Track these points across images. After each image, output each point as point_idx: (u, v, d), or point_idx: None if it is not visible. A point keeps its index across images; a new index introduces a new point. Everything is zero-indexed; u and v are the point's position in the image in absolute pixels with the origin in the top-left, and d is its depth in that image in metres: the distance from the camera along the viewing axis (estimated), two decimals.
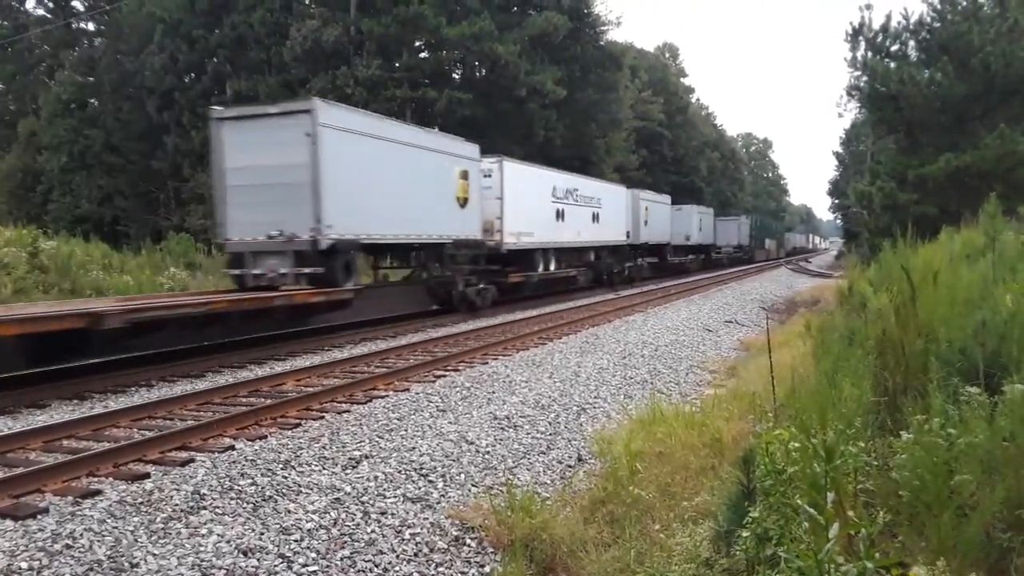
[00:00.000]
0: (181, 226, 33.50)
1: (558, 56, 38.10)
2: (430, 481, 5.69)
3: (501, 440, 6.84)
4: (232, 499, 5.09)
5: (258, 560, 4.27)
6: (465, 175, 17.40)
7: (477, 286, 17.93)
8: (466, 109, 34.36)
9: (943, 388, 3.46)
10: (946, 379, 3.64)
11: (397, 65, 34.51)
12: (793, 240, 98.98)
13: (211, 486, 5.27)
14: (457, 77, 38.53)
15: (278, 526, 4.68)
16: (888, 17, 21.38)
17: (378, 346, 12.48)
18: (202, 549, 4.32)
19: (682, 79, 76.23)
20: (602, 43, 41.47)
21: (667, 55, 76.88)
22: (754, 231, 58.27)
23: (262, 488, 5.30)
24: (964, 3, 20.44)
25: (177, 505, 4.92)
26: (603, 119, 42.90)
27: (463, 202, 17.33)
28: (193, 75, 39.20)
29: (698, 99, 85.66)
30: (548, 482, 6.00)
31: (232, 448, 6.29)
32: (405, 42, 35.27)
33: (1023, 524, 2.60)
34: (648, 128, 57.01)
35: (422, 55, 37.04)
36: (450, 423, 7.27)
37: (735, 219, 55.60)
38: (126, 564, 4.13)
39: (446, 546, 4.72)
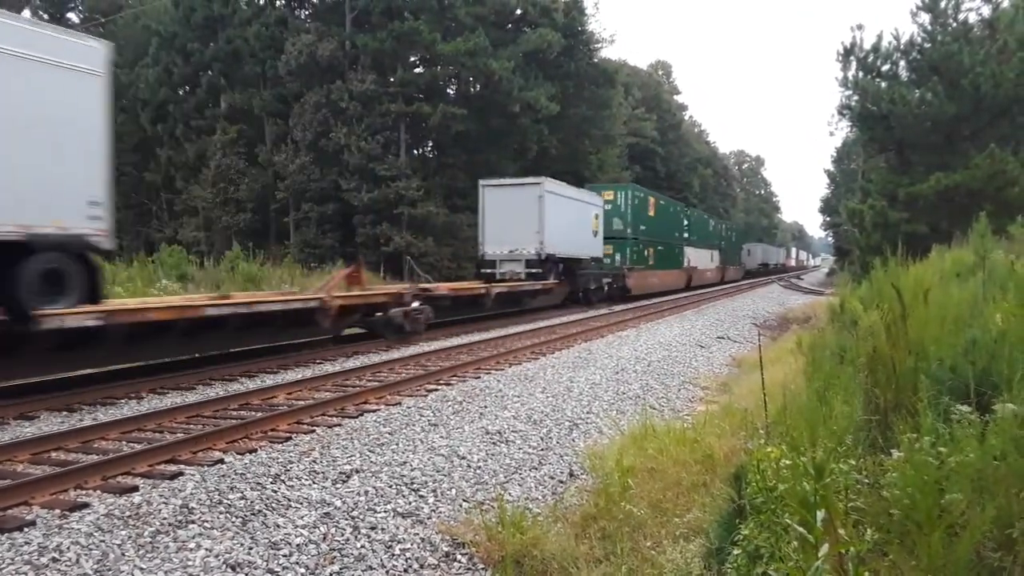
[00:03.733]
0: (174, 238, 33.47)
1: (552, 73, 38.38)
2: (421, 496, 5.67)
3: (493, 455, 6.82)
4: (221, 513, 5.05)
5: (246, 575, 4.24)
6: None
7: None
8: (460, 124, 34.53)
9: (934, 406, 3.47)
10: (936, 397, 3.64)
11: (392, 80, 34.65)
12: (763, 254, 74.99)
13: (200, 500, 5.23)
14: (451, 92, 38.73)
15: (267, 541, 4.65)
16: (879, 37, 21.56)
17: (370, 359, 12.45)
18: (190, 563, 4.29)
19: (675, 96, 76.90)
20: (596, 60, 41.83)
21: (660, 73, 77.48)
22: (636, 230, 29.31)
23: (251, 502, 5.27)
24: (954, 24, 20.66)
25: (165, 519, 4.88)
26: (596, 135, 43.18)
27: None
28: (187, 88, 39.32)
29: (691, 116, 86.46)
30: (540, 497, 5.98)
31: (222, 462, 6.25)
32: (400, 57, 35.45)
33: (1013, 544, 2.60)
34: (641, 144, 57.44)
35: (417, 70, 37.25)
36: (442, 437, 7.25)
37: (532, 185, 22.54)
38: None
39: (436, 562, 4.69)
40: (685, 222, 39.65)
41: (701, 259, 42.71)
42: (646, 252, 31.22)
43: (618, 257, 28.65)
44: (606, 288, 26.76)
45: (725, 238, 51.83)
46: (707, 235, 45.45)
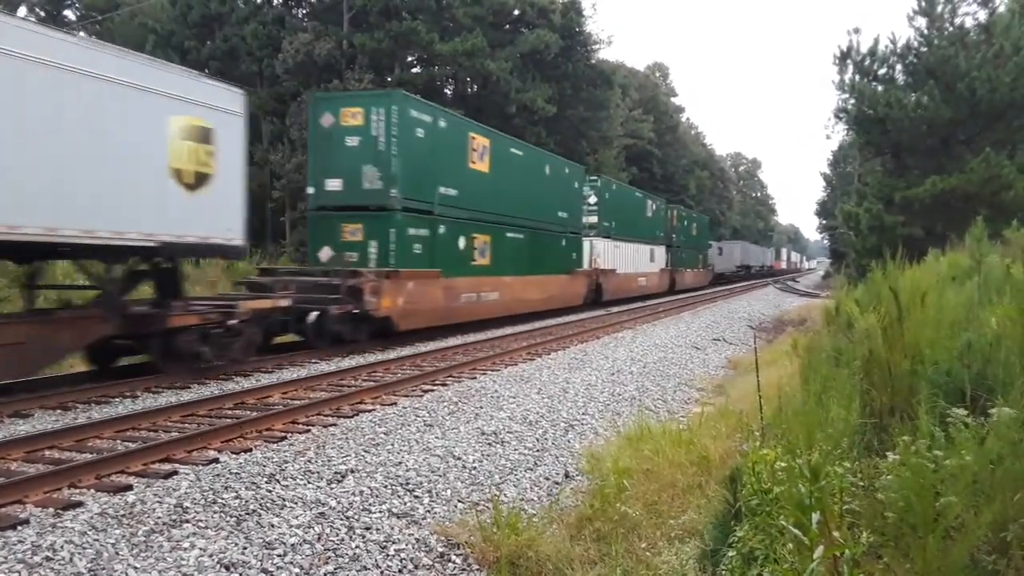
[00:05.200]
0: None
1: (549, 74, 38.40)
2: (416, 496, 5.66)
3: (488, 456, 6.82)
4: (215, 512, 5.04)
5: (240, 574, 4.23)
6: None
7: None
8: None
9: (929, 409, 3.47)
10: (932, 400, 3.65)
11: (389, 80, 34.62)
12: (743, 255, 61.87)
13: (194, 499, 5.22)
14: (449, 93, 38.75)
15: (261, 540, 4.64)
16: (876, 41, 21.57)
17: (366, 359, 12.43)
18: (184, 563, 4.27)
19: (672, 98, 76.84)
20: (593, 61, 41.87)
21: (657, 74, 77.47)
22: (422, 192, 15.27)
23: (246, 502, 5.26)
24: (951, 28, 20.72)
25: (159, 518, 4.87)
26: (593, 136, 43.20)
27: None
28: None
29: (688, 118, 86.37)
30: (535, 499, 5.98)
31: (216, 461, 6.24)
32: (397, 57, 35.43)
33: (1008, 547, 2.60)
34: (638, 146, 57.46)
35: (414, 70, 37.23)
36: (437, 438, 7.24)
37: None
38: None
39: (431, 562, 4.68)
40: (592, 197, 26.59)
41: (627, 258, 29.22)
42: (462, 242, 16.88)
43: (372, 250, 14.54)
44: (310, 319, 12.83)
45: (679, 229, 38.53)
46: (641, 223, 31.78)
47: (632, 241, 30.23)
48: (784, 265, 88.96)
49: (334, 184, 14.76)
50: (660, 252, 35.05)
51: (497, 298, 18.34)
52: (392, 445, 6.91)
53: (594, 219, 26.63)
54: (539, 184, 21.48)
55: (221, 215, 10.77)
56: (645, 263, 32.26)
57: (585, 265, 24.94)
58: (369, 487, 5.71)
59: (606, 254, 26.93)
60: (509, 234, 19.50)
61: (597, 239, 26.24)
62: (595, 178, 27.99)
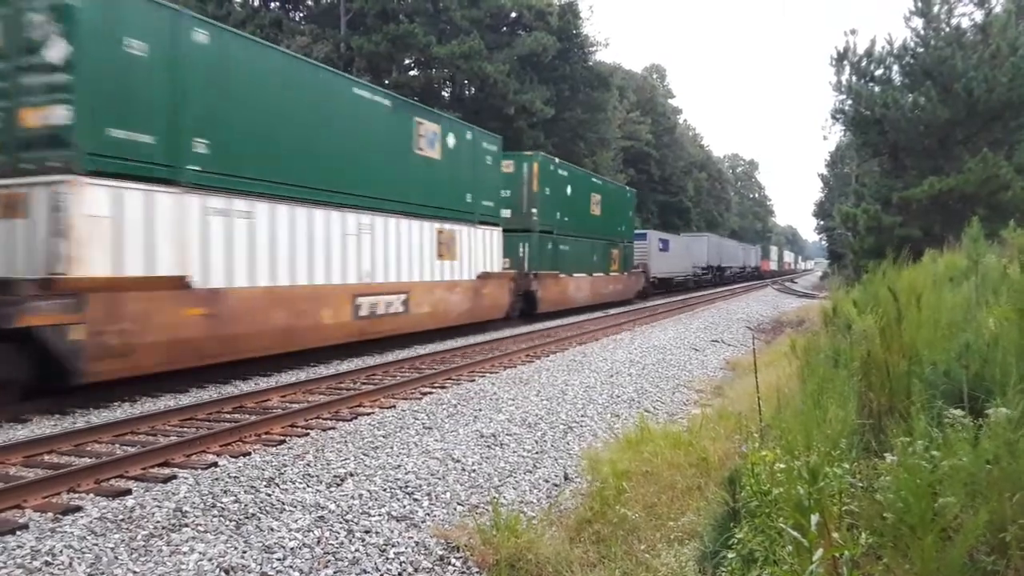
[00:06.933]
0: None
1: (547, 76, 38.46)
2: (415, 499, 5.66)
3: (487, 458, 6.82)
4: (215, 516, 5.04)
5: None
6: None
7: None
8: None
9: (927, 410, 3.47)
10: (930, 401, 3.65)
11: (387, 82, 34.66)
12: (712, 253, 48.44)
13: (193, 503, 5.22)
14: (446, 95, 38.79)
15: (261, 544, 4.64)
16: (872, 42, 21.66)
17: (365, 362, 12.43)
18: (183, 567, 4.27)
19: (669, 100, 76.92)
20: (590, 63, 41.94)
21: (655, 76, 77.53)
22: None
23: (245, 505, 5.25)
24: (947, 29, 20.75)
25: (159, 522, 4.86)
26: (591, 138, 43.25)
27: None
28: None
29: (685, 120, 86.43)
30: (534, 501, 5.97)
31: (215, 465, 6.24)
32: (395, 60, 35.45)
33: (1006, 547, 2.61)
34: (636, 148, 57.49)
35: (412, 73, 37.26)
36: (436, 441, 7.24)
37: None
38: None
39: (431, 565, 4.68)
40: (57, 47, 7.60)
41: (298, 249, 11.68)
42: None
43: None
44: None
45: (552, 202, 22.55)
46: (402, 171, 14.73)
47: (344, 206, 13.06)
48: (774, 266, 75.98)
49: None
50: (486, 241, 18.63)
51: None
52: (391, 448, 6.91)
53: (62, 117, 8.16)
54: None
55: None
56: (410, 264, 15.19)
57: None
58: (368, 490, 5.71)
59: (142, 236, 9.15)
60: None
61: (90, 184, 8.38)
62: None
